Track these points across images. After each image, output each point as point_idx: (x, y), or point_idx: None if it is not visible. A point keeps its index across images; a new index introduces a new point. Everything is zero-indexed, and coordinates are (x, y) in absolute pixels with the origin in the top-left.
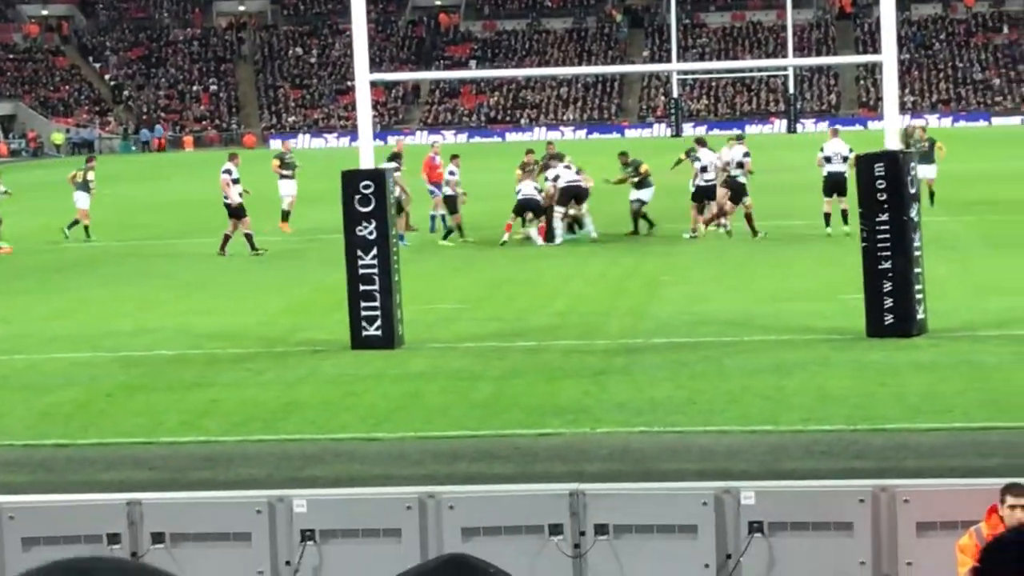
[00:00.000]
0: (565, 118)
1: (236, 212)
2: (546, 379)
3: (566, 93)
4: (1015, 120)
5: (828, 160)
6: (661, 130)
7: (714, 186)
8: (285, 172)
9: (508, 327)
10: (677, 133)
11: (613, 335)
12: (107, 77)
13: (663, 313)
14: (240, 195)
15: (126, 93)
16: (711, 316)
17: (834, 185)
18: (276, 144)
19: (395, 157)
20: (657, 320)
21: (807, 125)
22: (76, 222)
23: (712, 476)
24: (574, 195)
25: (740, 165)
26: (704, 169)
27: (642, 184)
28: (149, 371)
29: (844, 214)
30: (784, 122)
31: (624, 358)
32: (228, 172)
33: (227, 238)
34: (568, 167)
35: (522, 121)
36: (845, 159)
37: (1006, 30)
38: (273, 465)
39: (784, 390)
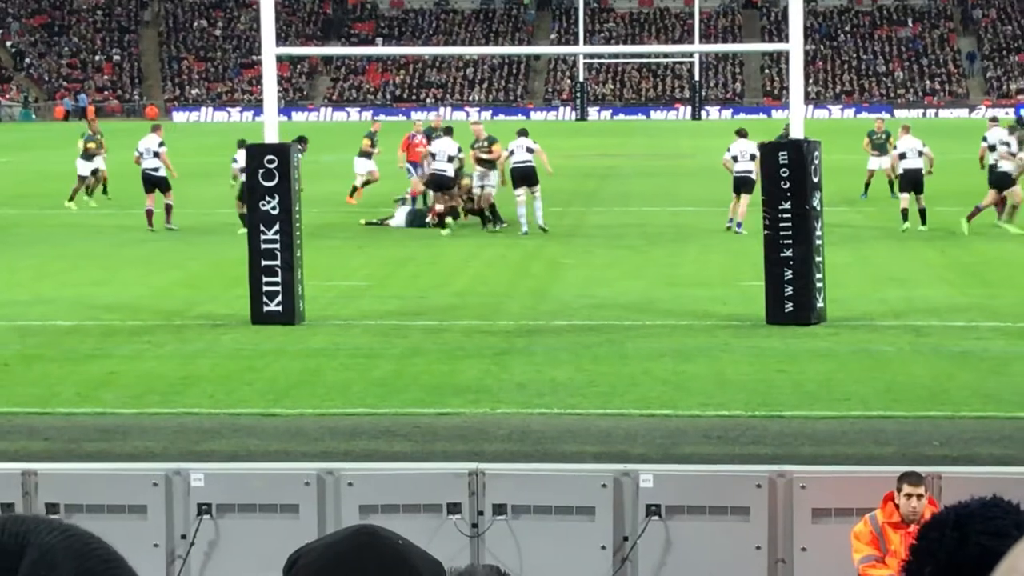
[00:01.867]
0: (471, 99)
1: (164, 183)
2: (447, 358)
3: (472, 74)
4: (917, 113)
5: (903, 156)
6: (566, 113)
7: (749, 178)
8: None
9: (409, 305)
10: (582, 117)
11: (515, 316)
12: (8, 44)
13: (565, 295)
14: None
15: (27, 61)
16: (613, 300)
17: (911, 182)
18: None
19: (371, 135)
20: (559, 302)
21: (711, 112)
22: (103, 186)
23: (611, 459)
24: (523, 177)
25: (1006, 145)
26: (735, 159)
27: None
28: (45, 341)
29: (922, 213)
30: (688, 109)
31: (525, 339)
32: (163, 144)
33: (168, 208)
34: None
35: (427, 100)
36: (921, 154)
37: (910, 24)
38: (170, 438)
39: (683, 375)
